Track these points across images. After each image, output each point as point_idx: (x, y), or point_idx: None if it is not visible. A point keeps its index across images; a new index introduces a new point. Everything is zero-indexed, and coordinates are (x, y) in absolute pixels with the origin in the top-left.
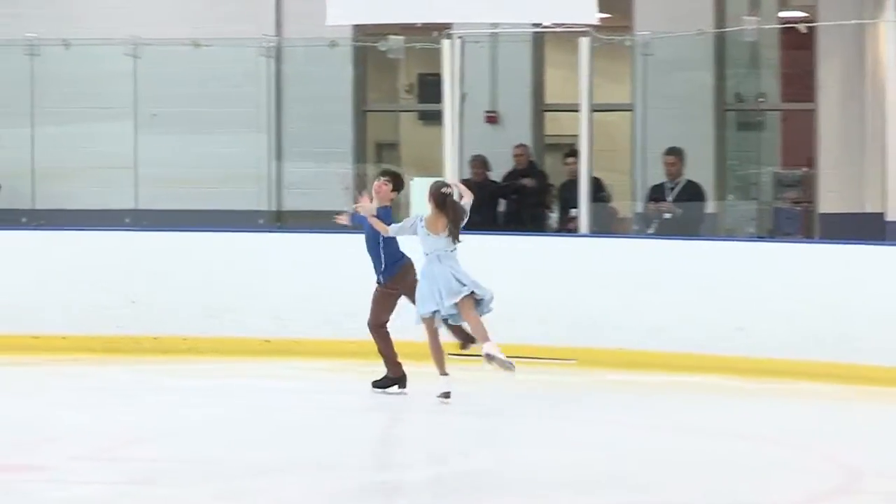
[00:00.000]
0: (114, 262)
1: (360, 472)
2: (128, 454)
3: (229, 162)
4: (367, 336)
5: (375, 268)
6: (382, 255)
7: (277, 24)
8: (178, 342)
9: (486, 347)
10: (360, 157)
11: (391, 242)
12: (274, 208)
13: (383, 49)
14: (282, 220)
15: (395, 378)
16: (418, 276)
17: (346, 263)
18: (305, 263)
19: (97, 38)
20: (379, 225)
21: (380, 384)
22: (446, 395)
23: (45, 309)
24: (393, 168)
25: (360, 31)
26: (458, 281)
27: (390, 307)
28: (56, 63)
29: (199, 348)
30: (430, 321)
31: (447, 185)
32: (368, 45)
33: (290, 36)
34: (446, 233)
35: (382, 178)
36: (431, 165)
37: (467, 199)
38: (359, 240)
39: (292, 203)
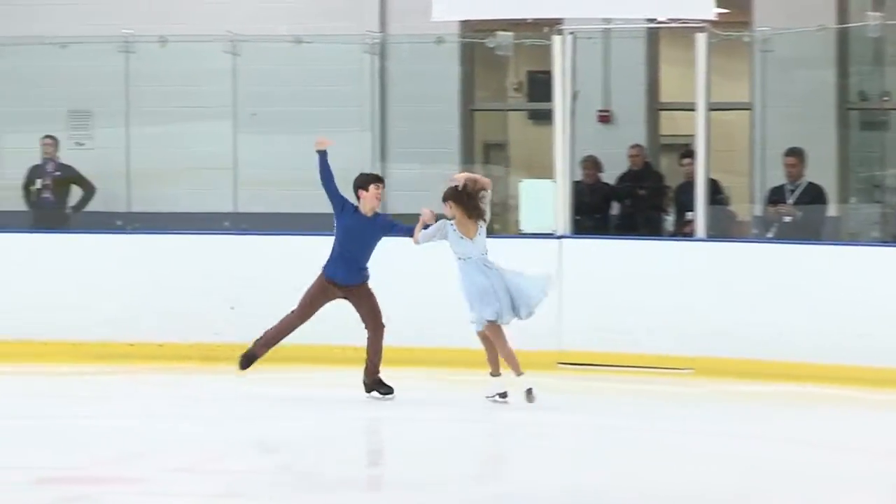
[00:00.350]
0: (212, 267)
1: (463, 489)
2: (225, 466)
3: (332, 163)
4: (462, 344)
5: (349, 265)
6: (367, 258)
7: (382, 20)
8: (277, 350)
9: (528, 383)
10: (467, 157)
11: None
12: (378, 211)
13: (491, 46)
14: None
15: (247, 360)
16: (461, 282)
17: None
18: (408, 271)
19: (195, 35)
20: (417, 232)
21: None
22: (529, 391)
23: (141, 316)
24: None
25: (467, 27)
26: (517, 301)
27: (320, 307)
28: (152, 61)
29: (299, 356)
30: (494, 325)
31: (453, 181)
32: (476, 41)
33: (395, 32)
34: (477, 233)
35: (379, 184)
36: (541, 166)
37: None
38: None
39: (397, 206)
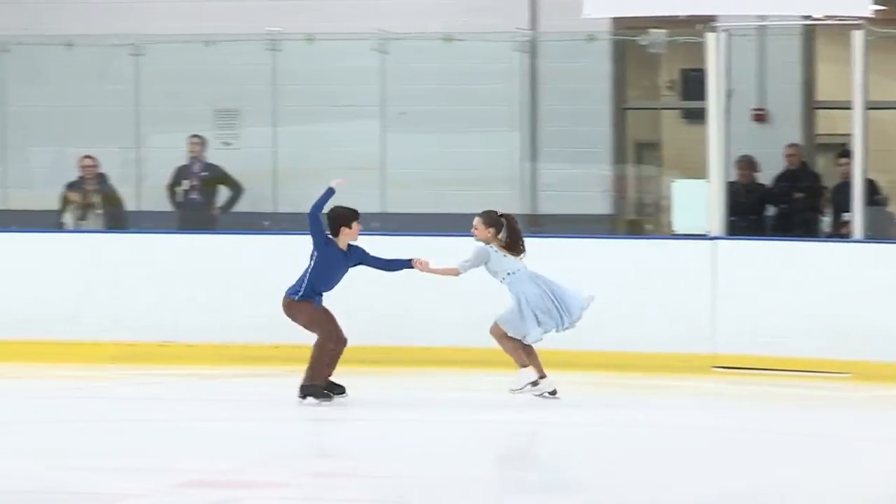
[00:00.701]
0: (359, 268)
1: (612, 494)
2: (374, 471)
3: (480, 162)
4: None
5: (324, 291)
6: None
7: (532, 17)
8: (444, 352)
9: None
10: (619, 157)
11: None
12: (528, 212)
13: (644, 43)
14: (537, 225)
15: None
16: (515, 297)
17: (609, 272)
18: (563, 271)
19: (342, 33)
20: (448, 271)
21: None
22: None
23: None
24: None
25: (619, 24)
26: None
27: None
28: (299, 59)
29: (462, 359)
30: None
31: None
32: (628, 39)
33: (545, 29)
34: (518, 251)
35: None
36: (695, 166)
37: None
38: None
39: (549, 206)
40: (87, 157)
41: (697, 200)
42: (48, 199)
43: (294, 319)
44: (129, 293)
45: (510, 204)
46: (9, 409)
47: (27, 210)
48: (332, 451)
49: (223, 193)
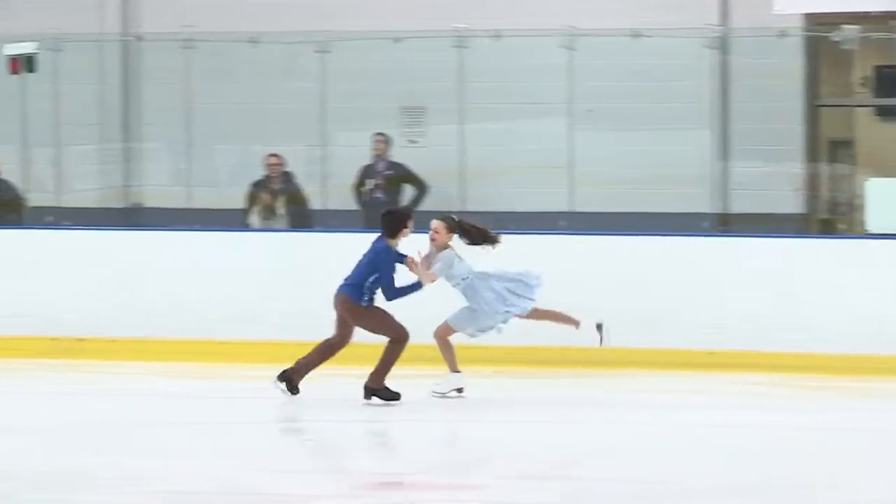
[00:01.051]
0: (547, 268)
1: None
2: (564, 473)
3: (670, 161)
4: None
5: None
6: None
7: (722, 13)
8: (623, 354)
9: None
10: (811, 155)
11: None
12: (718, 211)
13: (836, 39)
14: (727, 224)
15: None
16: (474, 300)
17: (802, 271)
18: (754, 271)
19: (529, 30)
20: (428, 275)
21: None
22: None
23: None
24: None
25: (811, 20)
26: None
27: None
28: (485, 56)
29: (639, 360)
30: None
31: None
32: (820, 35)
33: (736, 25)
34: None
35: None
36: (890, 164)
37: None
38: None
39: (739, 205)
40: (273, 155)
41: (892, 199)
42: (233, 198)
43: (363, 325)
44: (315, 292)
45: (700, 203)
46: (193, 410)
47: (212, 209)
48: (525, 451)
49: (408, 192)
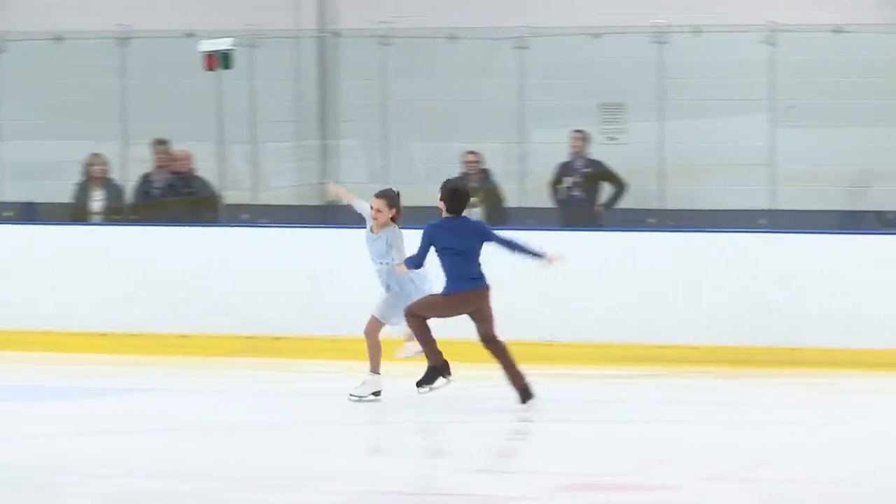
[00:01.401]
0: (747, 267)
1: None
2: (758, 475)
3: (873, 158)
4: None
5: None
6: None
7: None
8: (821, 354)
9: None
10: None
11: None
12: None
13: None
14: None
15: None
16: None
17: None
18: None
19: (730, 25)
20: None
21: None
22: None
23: (673, 314)
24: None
25: None
26: None
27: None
28: (686, 52)
29: (838, 360)
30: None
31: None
32: None
33: None
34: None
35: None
36: None
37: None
38: None
39: None
40: (471, 152)
41: None
42: (430, 196)
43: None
44: (514, 292)
45: None
46: (391, 409)
47: (410, 206)
48: (721, 453)
49: (606, 190)
